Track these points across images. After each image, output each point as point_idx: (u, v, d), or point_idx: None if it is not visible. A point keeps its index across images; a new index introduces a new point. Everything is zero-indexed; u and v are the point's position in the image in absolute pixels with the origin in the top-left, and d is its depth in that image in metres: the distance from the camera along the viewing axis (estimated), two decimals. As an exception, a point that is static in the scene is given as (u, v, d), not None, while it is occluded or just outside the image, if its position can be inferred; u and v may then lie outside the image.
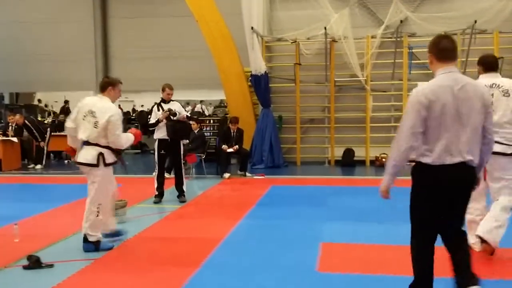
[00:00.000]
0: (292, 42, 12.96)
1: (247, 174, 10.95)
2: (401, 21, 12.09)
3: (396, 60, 12.59)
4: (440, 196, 3.32)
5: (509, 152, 4.61)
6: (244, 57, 12.68)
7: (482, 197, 4.86)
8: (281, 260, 4.76)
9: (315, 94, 13.50)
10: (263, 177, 10.79)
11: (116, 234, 5.36)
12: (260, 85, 12.54)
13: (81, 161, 5.12)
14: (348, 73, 12.73)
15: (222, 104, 18.44)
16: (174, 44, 15.95)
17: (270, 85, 13.03)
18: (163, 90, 8.02)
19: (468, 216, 4.34)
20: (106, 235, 5.27)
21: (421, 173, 3.37)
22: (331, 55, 12.91)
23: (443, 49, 3.41)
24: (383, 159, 12.53)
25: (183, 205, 7.66)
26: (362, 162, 12.66)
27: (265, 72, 12.53)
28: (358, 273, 4.38)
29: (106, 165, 5.13)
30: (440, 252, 3.44)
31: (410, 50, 12.45)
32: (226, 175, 10.63)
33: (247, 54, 12.54)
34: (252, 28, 12.01)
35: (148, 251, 5.20)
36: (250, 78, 12.75)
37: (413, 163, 3.44)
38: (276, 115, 13.30)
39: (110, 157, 5.17)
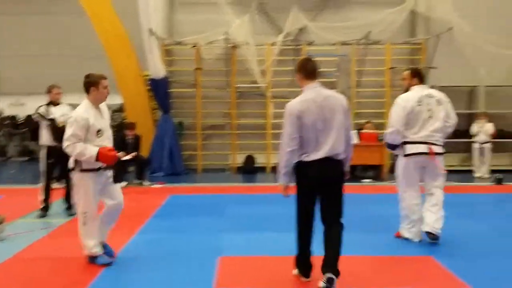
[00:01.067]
0: (192, 46, 12.66)
1: (145, 182, 10.47)
2: (300, 30, 12.25)
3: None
4: (312, 184, 4.15)
5: (442, 151, 5.47)
6: (143, 60, 12.17)
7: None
8: (176, 278, 4.46)
9: (216, 100, 13.31)
10: (162, 185, 10.38)
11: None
12: (159, 89, 12.10)
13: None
14: (249, 80, 12.68)
15: (121, 109, 17.65)
16: (68, 44, 14.96)
17: (170, 89, 12.64)
18: (50, 91, 7.34)
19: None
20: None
21: (299, 168, 4.16)
22: (232, 61, 12.80)
23: (309, 70, 4.21)
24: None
25: (72, 219, 7.05)
26: (263, 169, 12.65)
27: (165, 76, 12.11)
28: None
29: (82, 170, 4.67)
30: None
31: (309, 58, 12.64)
32: (122, 184, 10.04)
33: (146, 57, 12.04)
34: (150, 30, 11.54)
35: (26, 275, 4.63)
36: (148, 82, 12.25)
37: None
38: (176, 121, 12.92)
39: (88, 164, 4.66)
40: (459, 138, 11.49)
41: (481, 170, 11.49)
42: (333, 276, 4.00)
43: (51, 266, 4.90)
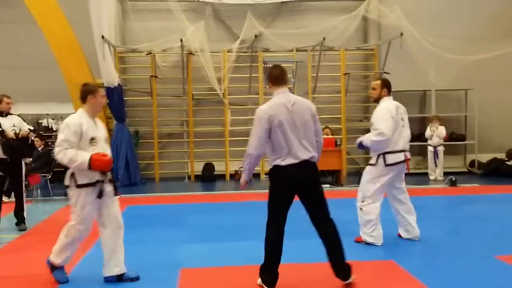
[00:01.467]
0: (147, 54, 12.45)
1: (100, 194, 10.15)
2: (256, 36, 12.26)
3: (252, 75, 12.74)
4: (289, 186, 4.22)
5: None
6: (96, 68, 11.86)
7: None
8: (134, 294, 4.30)
9: (173, 108, 13.14)
10: (118, 196, 10.08)
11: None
12: (113, 98, 11.80)
13: None
14: (206, 87, 12.59)
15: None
16: (17, 53, 14.41)
17: (124, 98, 12.38)
18: (0, 101, 7.07)
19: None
20: None
21: (276, 173, 4.27)
22: (188, 68, 12.67)
23: (275, 77, 4.37)
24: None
25: (22, 234, 6.76)
26: (222, 176, 12.54)
27: (119, 84, 11.84)
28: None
29: (78, 186, 4.40)
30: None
31: (265, 65, 12.69)
32: (76, 196, 9.72)
33: (99, 64, 11.74)
34: (102, 37, 11.27)
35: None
36: (102, 90, 11.93)
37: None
38: (132, 130, 12.66)
39: (84, 178, 4.40)
40: (413, 141, 11.73)
41: (435, 173, 11.77)
42: (351, 280, 4.25)
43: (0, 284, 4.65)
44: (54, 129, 16.94)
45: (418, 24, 11.89)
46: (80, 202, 4.44)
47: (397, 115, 5.54)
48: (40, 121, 16.66)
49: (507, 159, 12.41)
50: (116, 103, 11.89)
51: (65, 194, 9.75)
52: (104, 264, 4.65)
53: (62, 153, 4.32)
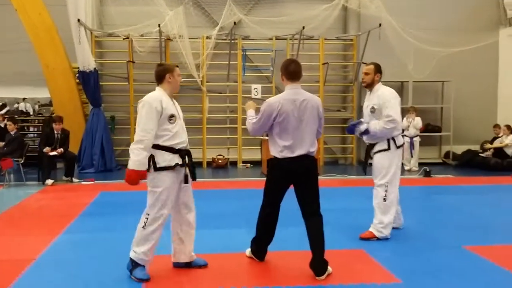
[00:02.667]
0: (124, 39, 12.26)
1: (74, 179, 10.05)
2: (235, 23, 12.16)
3: (230, 62, 12.66)
4: (286, 177, 4.39)
5: None
6: (72, 52, 11.65)
7: None
8: (103, 282, 4.24)
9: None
10: (92, 182, 10.00)
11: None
12: (89, 82, 11.63)
13: None
14: (184, 73, 12.39)
15: (50, 103, 16.88)
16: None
17: (101, 83, 12.18)
18: None
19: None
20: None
21: (274, 164, 4.44)
22: (166, 54, 12.53)
23: (292, 72, 4.42)
24: (220, 161, 12.54)
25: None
26: (199, 164, 12.48)
27: (95, 68, 11.66)
28: (186, 288, 4.07)
29: (157, 169, 4.17)
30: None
31: (244, 53, 12.62)
32: (49, 181, 9.61)
33: (75, 49, 11.53)
34: (78, 20, 11.06)
35: None
36: (77, 74, 11.76)
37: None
38: (108, 115, 12.50)
39: (163, 160, 4.18)
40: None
41: (411, 163, 11.89)
42: (323, 278, 4.27)
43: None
44: (30, 113, 16.73)
45: (398, 15, 11.94)
46: (156, 186, 4.21)
47: (399, 102, 5.55)
48: (16, 105, 16.37)
49: (481, 151, 12.59)
50: (92, 88, 11.71)
51: (38, 179, 9.72)
52: (174, 252, 4.57)
53: (136, 150, 4.11)
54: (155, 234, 4.26)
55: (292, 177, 4.39)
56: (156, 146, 4.19)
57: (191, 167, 4.35)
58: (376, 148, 5.53)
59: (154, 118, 4.15)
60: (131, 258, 4.31)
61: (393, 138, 5.47)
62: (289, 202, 4.59)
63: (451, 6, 13.34)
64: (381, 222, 5.46)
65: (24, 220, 6.76)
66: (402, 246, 5.31)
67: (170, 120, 4.23)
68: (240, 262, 4.75)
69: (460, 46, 12.33)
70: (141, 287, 4.11)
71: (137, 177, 4.14)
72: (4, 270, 4.53)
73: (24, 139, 11.49)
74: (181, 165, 4.25)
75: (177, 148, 4.25)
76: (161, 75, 4.37)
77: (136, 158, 4.11)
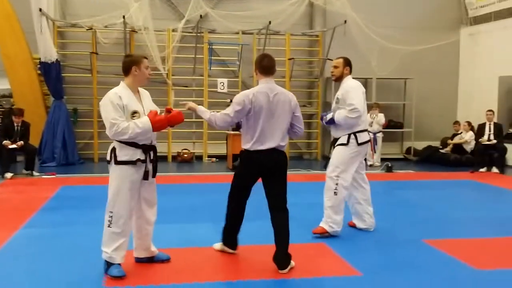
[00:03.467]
0: (88, 29, 12.01)
1: (35, 173, 9.82)
2: (201, 17, 12.08)
3: (197, 56, 12.58)
4: (256, 170, 4.43)
5: None
6: (33, 42, 11.34)
7: None
8: (63, 277, 4.16)
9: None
10: (53, 176, 9.79)
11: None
12: (50, 74, 11.34)
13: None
14: (150, 66, 12.27)
15: (9, 94, 16.38)
16: None
17: (63, 74, 11.91)
18: None
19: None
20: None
21: (244, 156, 4.48)
22: (131, 46, 12.34)
23: (265, 66, 4.48)
24: (185, 155, 12.46)
25: None
26: (164, 158, 12.38)
27: (57, 60, 11.38)
28: (149, 284, 4.04)
29: (117, 162, 4.05)
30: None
31: (210, 46, 12.56)
32: (8, 175, 9.36)
33: (36, 39, 11.22)
34: (40, 10, 10.77)
35: None
36: (39, 65, 11.46)
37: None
38: (71, 108, 12.24)
39: (124, 154, 4.06)
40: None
41: (373, 159, 12.10)
42: (286, 272, 4.32)
43: None
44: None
45: (363, 12, 12.07)
46: (116, 179, 4.10)
47: (364, 93, 5.47)
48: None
49: (441, 147, 12.93)
50: (53, 79, 11.43)
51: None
52: (135, 246, 4.47)
53: (121, 129, 3.98)
54: (122, 232, 4.14)
55: (261, 170, 4.43)
56: (118, 140, 4.10)
57: (154, 163, 4.25)
58: (337, 142, 5.49)
59: (119, 111, 4.04)
60: (104, 259, 4.20)
61: (354, 134, 5.38)
62: (256, 196, 4.61)
63: (414, 4, 13.59)
64: (330, 217, 5.37)
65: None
66: (363, 240, 5.41)
67: (133, 116, 4.09)
68: (204, 256, 4.74)
69: (423, 44, 12.60)
70: (102, 282, 4.05)
71: (164, 123, 4.14)
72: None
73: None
74: (143, 161, 4.15)
75: (140, 144, 4.14)
76: (127, 67, 4.24)
77: (138, 130, 4.02)
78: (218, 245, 4.85)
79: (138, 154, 4.12)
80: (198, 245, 5.07)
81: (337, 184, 5.33)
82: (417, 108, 13.35)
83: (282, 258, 4.33)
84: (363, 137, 5.45)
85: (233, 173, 4.69)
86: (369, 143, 5.64)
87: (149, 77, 4.41)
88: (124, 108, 4.07)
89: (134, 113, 4.11)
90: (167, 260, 4.54)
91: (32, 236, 5.43)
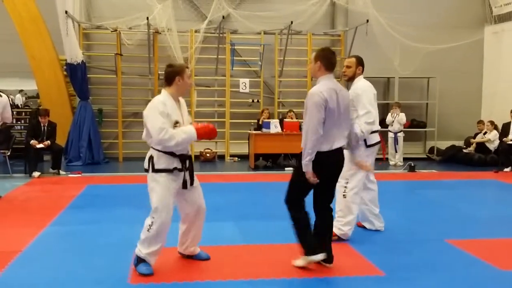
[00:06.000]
0: (112, 31, 12.22)
1: (61, 172, 10.04)
2: (224, 17, 12.17)
3: (219, 56, 12.68)
4: (328, 172, 4.27)
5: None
6: (60, 44, 11.58)
7: None
8: (89, 274, 4.27)
9: (138, 87, 12.97)
10: (79, 175, 9.99)
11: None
12: (76, 75, 11.59)
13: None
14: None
15: (37, 95, 16.73)
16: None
17: (88, 75, 12.15)
18: None
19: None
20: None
21: (320, 157, 4.17)
22: (155, 47, 12.51)
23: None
24: (207, 154, 12.57)
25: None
26: (186, 157, 12.48)
27: (82, 61, 11.62)
28: (173, 281, 4.13)
29: (155, 170, 4.14)
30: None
31: (232, 47, 12.64)
32: (36, 174, 9.59)
33: (62, 41, 11.46)
34: (66, 12, 11.00)
35: None
36: (65, 67, 11.70)
37: None
38: (96, 108, 12.47)
39: (162, 162, 4.14)
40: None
41: (395, 158, 12.04)
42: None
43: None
44: (20, 105, 16.55)
45: (385, 11, 12.03)
46: (157, 185, 4.17)
47: (374, 94, 5.25)
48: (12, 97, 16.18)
49: (464, 146, 12.78)
50: (79, 81, 11.67)
51: (25, 171, 9.69)
52: (179, 244, 4.63)
53: (167, 135, 4.01)
54: (159, 238, 4.23)
55: (331, 171, 4.32)
56: (156, 149, 4.16)
57: (191, 172, 4.29)
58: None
59: (166, 118, 4.07)
60: (136, 254, 4.30)
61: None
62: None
63: (437, 2, 13.45)
64: (341, 220, 5.22)
65: (10, 212, 6.75)
66: (385, 240, 5.40)
67: (175, 126, 4.12)
68: (227, 254, 4.80)
69: (446, 42, 12.48)
70: (127, 279, 4.15)
71: (207, 130, 4.21)
72: (-8, 261, 4.55)
73: (11, 131, 11.44)
74: (180, 170, 4.19)
75: (178, 154, 4.18)
76: (171, 77, 4.20)
77: (184, 136, 4.09)
78: (300, 262, 4.40)
79: (175, 163, 4.17)
80: (221, 244, 5.13)
81: (346, 187, 5.18)
82: (440, 107, 13.22)
83: (330, 253, 4.40)
84: (373, 138, 5.27)
85: (293, 179, 4.38)
86: (380, 144, 5.45)
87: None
88: (167, 117, 4.09)
89: (176, 123, 4.14)
90: (206, 259, 4.61)
91: (59, 234, 5.57)
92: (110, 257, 4.67)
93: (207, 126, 4.25)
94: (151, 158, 4.18)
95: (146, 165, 4.24)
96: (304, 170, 4.15)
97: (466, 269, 4.50)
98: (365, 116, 5.04)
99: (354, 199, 5.23)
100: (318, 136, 4.10)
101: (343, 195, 5.19)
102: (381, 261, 4.63)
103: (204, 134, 4.22)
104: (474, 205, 7.45)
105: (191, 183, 4.32)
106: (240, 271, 4.38)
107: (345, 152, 4.99)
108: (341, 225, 5.24)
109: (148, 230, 4.20)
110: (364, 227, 5.74)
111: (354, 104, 5.05)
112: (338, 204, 5.21)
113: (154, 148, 4.18)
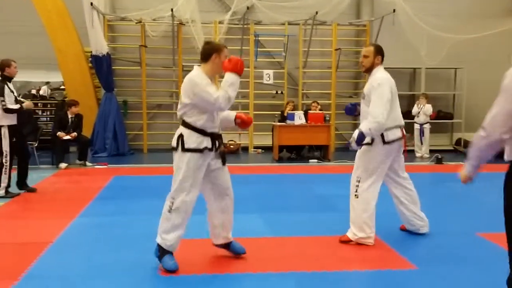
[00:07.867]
0: (137, 23, 12.27)
1: (88, 163, 10.16)
2: (248, 8, 12.11)
3: (243, 47, 12.64)
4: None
5: None
6: (85, 36, 11.68)
7: None
8: (119, 264, 4.31)
9: (162, 79, 13.02)
10: (105, 166, 10.09)
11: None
12: (101, 67, 11.68)
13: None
14: (196, 58, 12.13)
15: (62, 87, 16.94)
16: (5, 18, 14.10)
17: (113, 67, 12.25)
18: (8, 65, 6.96)
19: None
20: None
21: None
22: (179, 39, 12.52)
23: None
24: (231, 146, 12.57)
25: (7, 202, 6.74)
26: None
27: (107, 53, 11.70)
28: (203, 273, 4.13)
29: (185, 150, 4.01)
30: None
31: (256, 38, 12.58)
32: (63, 165, 9.72)
33: (87, 33, 11.55)
34: (91, 4, 11.07)
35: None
36: (90, 59, 11.80)
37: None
38: (121, 100, 12.57)
39: (192, 141, 3.99)
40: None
41: (422, 150, 11.87)
42: None
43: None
44: (46, 96, 16.77)
45: (411, 1, 11.82)
46: (185, 168, 4.00)
47: (394, 86, 4.82)
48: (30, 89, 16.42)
49: (493, 138, 12.51)
50: (104, 72, 11.77)
51: (52, 163, 9.82)
52: (210, 234, 4.50)
53: (223, 99, 3.91)
54: (182, 221, 4.08)
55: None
56: (187, 125, 4.01)
57: (222, 152, 4.17)
58: (364, 140, 4.75)
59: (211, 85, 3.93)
60: (158, 244, 4.17)
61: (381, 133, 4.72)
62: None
63: (465, -9, 13.18)
64: (353, 222, 4.86)
65: (39, 203, 6.85)
66: (416, 234, 5.31)
67: None
68: (255, 247, 4.76)
69: (474, 32, 12.20)
70: (158, 270, 4.16)
71: (234, 61, 4.01)
72: (23, 252, 4.61)
73: (38, 122, 11.60)
74: (210, 149, 4.05)
75: (208, 131, 4.03)
76: (208, 53, 4.05)
77: (232, 90, 3.96)
78: None
79: (205, 142, 4.01)
80: (246, 236, 5.09)
81: (357, 186, 4.82)
82: (467, 98, 12.97)
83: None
84: (392, 134, 4.76)
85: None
86: (402, 140, 4.89)
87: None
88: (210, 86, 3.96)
89: None
90: (241, 253, 4.45)
91: (89, 225, 5.63)
92: (139, 249, 4.69)
93: (231, 59, 4.01)
94: (180, 136, 4.02)
95: (174, 143, 4.06)
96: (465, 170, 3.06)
97: (499, 263, 4.37)
98: (377, 113, 4.57)
99: (369, 202, 4.80)
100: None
101: (355, 194, 4.84)
102: (412, 254, 4.56)
103: (235, 66, 3.98)
104: (503, 197, 7.27)
105: (223, 162, 4.22)
106: (270, 264, 4.36)
107: (363, 148, 4.80)
108: (355, 231, 4.86)
109: (169, 211, 4.05)
110: (407, 231, 5.30)
111: (369, 98, 4.71)
112: (351, 205, 4.90)
113: (184, 126, 4.03)
